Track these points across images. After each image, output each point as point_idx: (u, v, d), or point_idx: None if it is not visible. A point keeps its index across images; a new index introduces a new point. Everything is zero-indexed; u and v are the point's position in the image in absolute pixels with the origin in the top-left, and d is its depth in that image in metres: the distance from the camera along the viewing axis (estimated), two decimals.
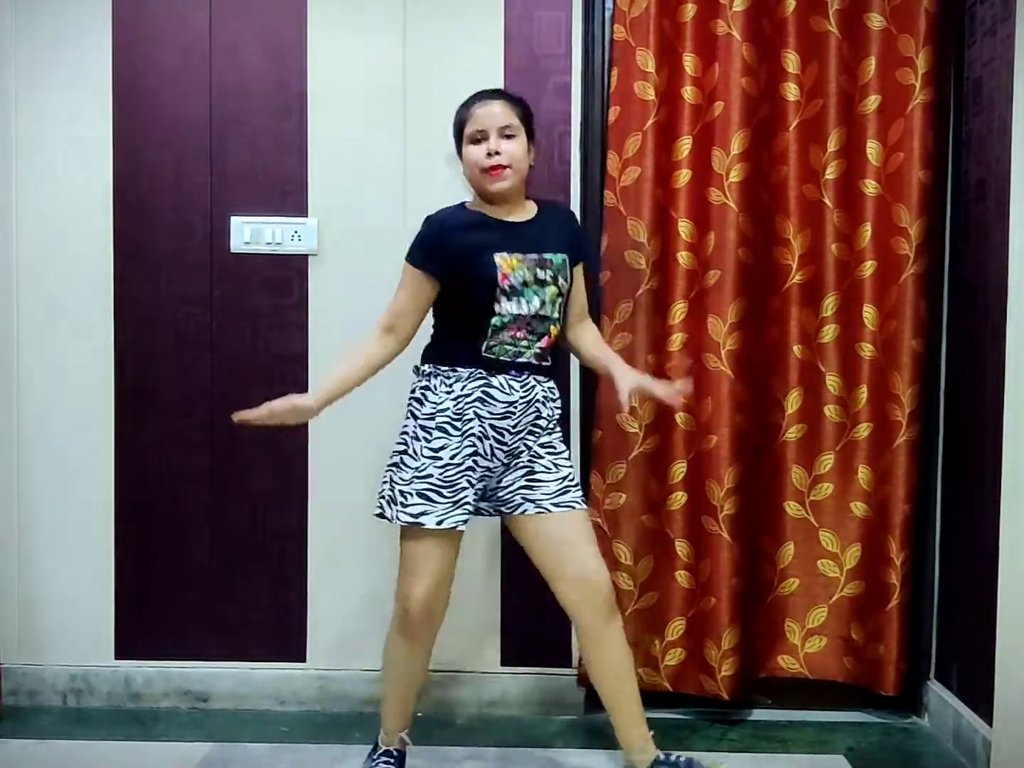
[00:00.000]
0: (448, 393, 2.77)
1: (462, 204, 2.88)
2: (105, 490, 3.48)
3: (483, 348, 2.77)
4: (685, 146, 3.32)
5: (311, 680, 3.49)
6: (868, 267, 3.34)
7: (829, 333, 3.38)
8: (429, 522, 2.72)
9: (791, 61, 3.32)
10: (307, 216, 3.44)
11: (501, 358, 2.78)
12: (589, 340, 3.00)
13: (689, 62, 3.31)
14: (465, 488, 2.75)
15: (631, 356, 3.32)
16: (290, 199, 3.44)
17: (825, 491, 3.41)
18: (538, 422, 2.83)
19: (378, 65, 3.42)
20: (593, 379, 3.38)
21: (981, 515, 3.09)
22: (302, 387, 3.37)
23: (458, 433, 2.75)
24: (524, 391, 2.79)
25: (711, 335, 3.32)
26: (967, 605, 3.21)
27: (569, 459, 2.90)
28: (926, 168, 3.30)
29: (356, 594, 3.47)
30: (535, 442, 2.84)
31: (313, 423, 3.40)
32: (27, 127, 3.45)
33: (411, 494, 2.73)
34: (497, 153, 2.74)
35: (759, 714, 3.48)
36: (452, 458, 2.74)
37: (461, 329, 2.80)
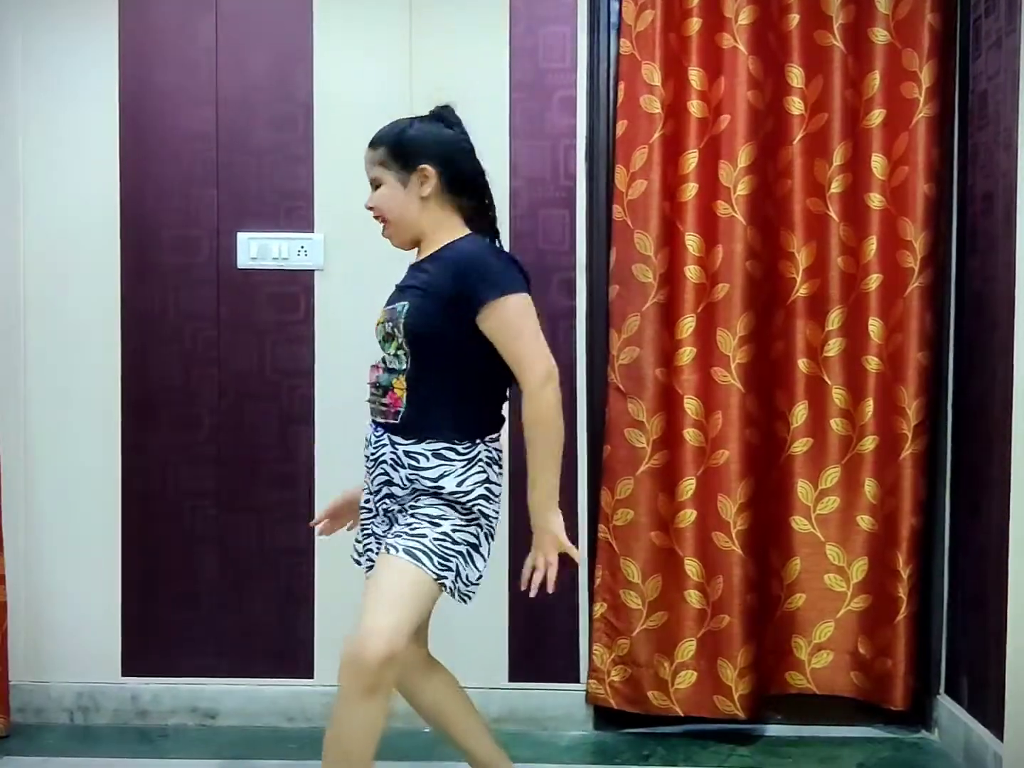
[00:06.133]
0: None
1: None
2: (112, 506, 3.48)
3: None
4: (692, 159, 3.33)
5: (319, 697, 3.45)
6: (873, 280, 3.35)
7: (835, 346, 3.38)
8: (353, 555, 2.65)
9: (796, 75, 3.33)
10: (313, 231, 3.44)
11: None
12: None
13: (695, 76, 3.31)
14: (369, 535, 2.59)
15: (639, 370, 3.36)
16: (296, 214, 3.45)
17: (831, 505, 3.39)
18: (392, 491, 2.49)
19: (384, 78, 3.43)
20: (601, 392, 3.38)
21: (990, 527, 3.08)
22: (307, 402, 3.44)
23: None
24: (375, 447, 2.52)
25: (720, 348, 3.32)
26: (976, 619, 3.20)
27: (438, 523, 2.41)
28: (930, 181, 3.31)
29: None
30: (395, 513, 2.49)
31: (320, 439, 3.45)
32: (34, 143, 3.46)
33: None
34: (369, 208, 2.55)
35: (768, 730, 3.47)
36: (364, 501, 2.61)
37: None
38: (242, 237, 3.44)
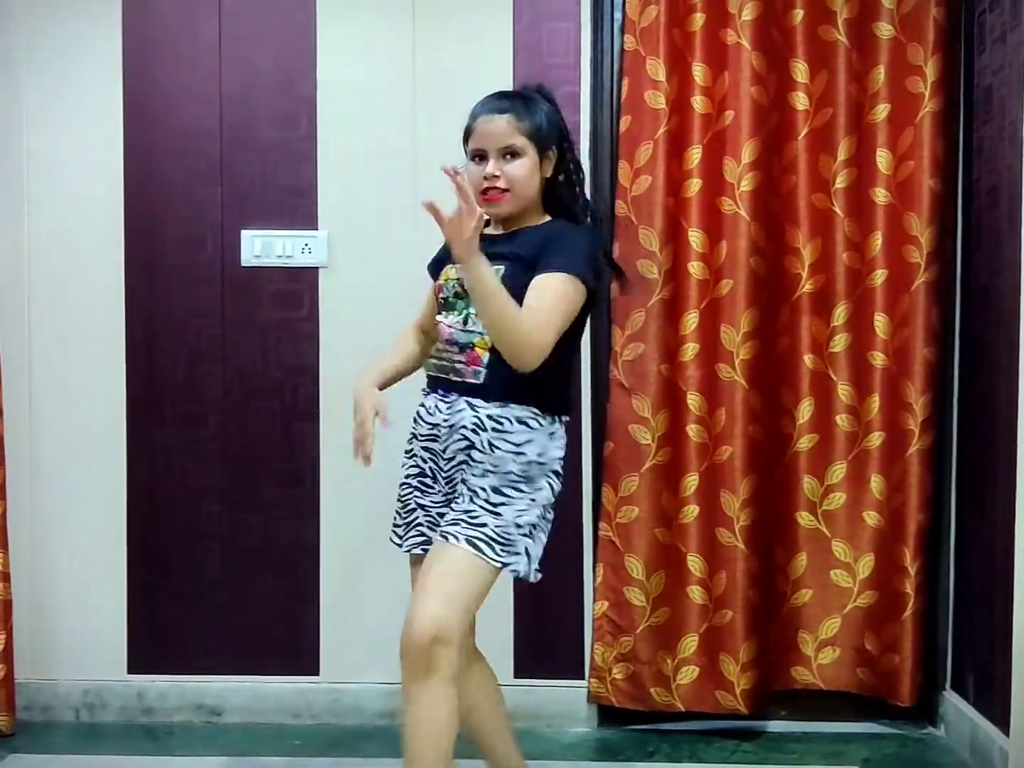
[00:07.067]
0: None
1: None
2: (118, 504, 3.48)
3: (427, 363, 2.61)
4: (696, 155, 3.32)
5: (324, 693, 3.47)
6: (879, 276, 3.34)
7: (840, 342, 3.36)
8: (393, 539, 2.59)
9: (800, 70, 3.32)
10: (317, 228, 3.44)
11: (430, 373, 2.57)
12: None
13: (699, 71, 3.31)
14: (414, 510, 2.54)
15: (643, 366, 3.35)
16: (300, 211, 3.44)
17: (837, 501, 3.38)
18: (472, 453, 2.42)
19: (387, 75, 3.43)
20: (604, 389, 3.38)
21: (996, 523, 3.07)
22: (312, 400, 3.44)
23: (408, 451, 2.58)
24: (448, 412, 2.45)
25: (724, 345, 3.32)
26: (983, 614, 3.20)
27: (499, 512, 2.37)
28: (936, 176, 3.30)
29: (369, 607, 3.45)
30: (470, 475, 2.42)
31: (325, 436, 3.45)
32: (38, 142, 3.46)
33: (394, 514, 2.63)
34: (495, 176, 2.45)
35: (773, 726, 3.47)
36: (405, 477, 2.57)
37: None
38: (246, 235, 3.45)
